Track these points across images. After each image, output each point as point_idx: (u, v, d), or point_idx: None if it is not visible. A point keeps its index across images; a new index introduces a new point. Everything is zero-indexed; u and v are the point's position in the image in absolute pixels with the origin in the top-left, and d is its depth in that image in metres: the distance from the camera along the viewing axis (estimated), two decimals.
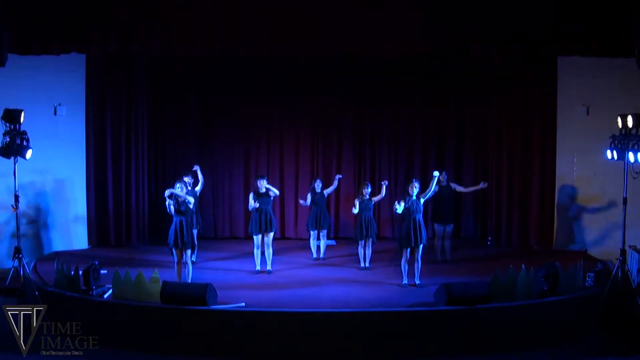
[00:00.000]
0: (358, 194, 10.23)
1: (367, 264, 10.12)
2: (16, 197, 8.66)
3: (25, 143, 8.61)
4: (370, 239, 9.99)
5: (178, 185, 9.01)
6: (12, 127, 8.53)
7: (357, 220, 10.08)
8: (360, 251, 10.12)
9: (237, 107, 12.42)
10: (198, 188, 10.32)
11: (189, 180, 10.13)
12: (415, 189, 9.09)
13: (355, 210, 9.94)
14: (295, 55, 10.84)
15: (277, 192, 9.99)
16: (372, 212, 10.00)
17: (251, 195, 9.90)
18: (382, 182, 10.08)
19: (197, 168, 10.44)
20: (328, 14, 9.27)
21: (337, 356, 7.63)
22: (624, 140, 8.56)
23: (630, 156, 8.41)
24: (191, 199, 9.05)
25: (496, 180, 11.83)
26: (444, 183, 10.63)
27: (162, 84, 12.35)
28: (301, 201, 11.00)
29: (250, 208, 9.88)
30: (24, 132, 8.62)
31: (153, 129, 12.37)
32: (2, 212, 10.06)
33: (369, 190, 10.00)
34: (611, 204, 10.60)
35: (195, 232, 9.79)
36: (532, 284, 8.36)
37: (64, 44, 9.30)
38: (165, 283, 8.05)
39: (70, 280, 8.53)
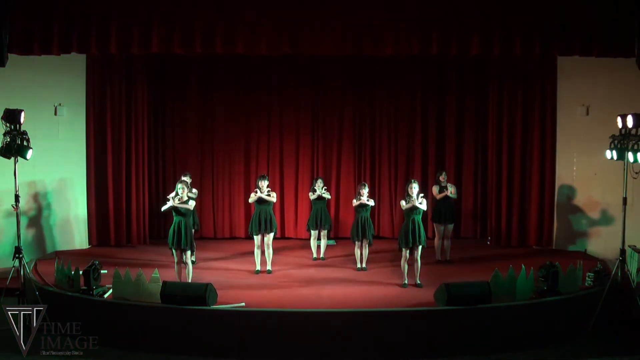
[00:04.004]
0: (355, 194, 10.20)
1: (363, 265, 10.11)
2: (17, 197, 8.67)
3: (25, 143, 8.62)
4: (367, 240, 9.97)
5: (179, 186, 9.02)
6: (12, 127, 8.53)
7: (354, 221, 10.05)
8: (357, 252, 10.11)
9: (237, 107, 12.44)
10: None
11: (189, 180, 10.13)
12: (414, 189, 9.10)
13: (356, 202, 9.90)
14: (295, 55, 10.83)
15: (274, 200, 9.99)
16: (369, 213, 9.98)
17: (253, 194, 9.91)
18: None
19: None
20: (328, 14, 9.28)
21: (337, 356, 7.64)
22: (624, 141, 8.57)
23: (630, 156, 8.41)
24: (192, 203, 9.06)
25: (496, 180, 11.82)
26: (444, 183, 10.65)
27: (162, 83, 12.37)
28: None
29: (250, 200, 10.00)
30: (25, 132, 8.62)
31: (153, 128, 12.38)
32: (2, 212, 10.07)
33: (367, 190, 9.98)
34: (611, 204, 10.59)
35: (192, 232, 9.78)
36: (532, 284, 8.37)
37: (64, 44, 9.29)
38: (165, 283, 8.06)
39: (70, 280, 8.55)
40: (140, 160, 11.94)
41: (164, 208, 9.17)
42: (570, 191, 11.33)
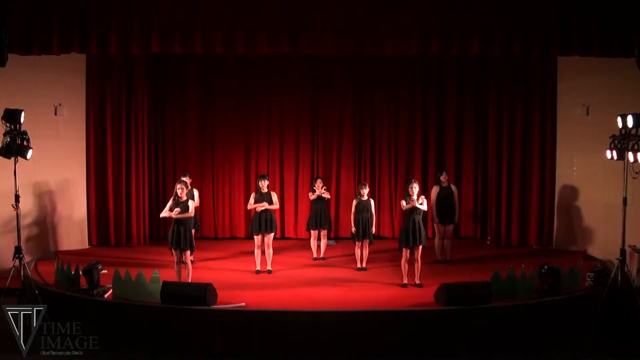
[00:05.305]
0: (356, 194, 10.21)
1: (363, 265, 10.11)
2: (17, 197, 8.67)
3: (25, 143, 8.62)
4: (368, 240, 9.97)
5: (178, 186, 9.01)
6: (12, 127, 8.54)
7: (354, 221, 10.05)
8: (357, 252, 10.11)
9: (237, 107, 12.44)
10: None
11: (189, 180, 10.13)
12: (414, 189, 9.10)
13: (353, 219, 9.95)
14: (295, 55, 10.83)
15: (277, 206, 10.00)
16: (369, 212, 9.98)
17: (252, 196, 9.93)
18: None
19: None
20: (328, 14, 9.28)
21: (337, 356, 7.63)
22: (624, 140, 8.56)
23: (630, 156, 8.41)
24: (192, 204, 9.05)
25: (496, 180, 11.83)
26: (445, 184, 10.65)
27: (162, 83, 12.38)
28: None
29: (249, 207, 10.01)
30: (25, 132, 8.63)
31: (153, 128, 12.39)
32: (2, 211, 10.07)
33: (367, 190, 9.98)
34: (611, 204, 10.57)
35: (192, 232, 9.76)
36: (532, 284, 8.37)
37: (64, 44, 9.28)
38: (165, 283, 8.06)
39: (70, 280, 8.55)
40: (141, 161, 11.94)
41: (162, 215, 9.11)
42: (570, 191, 11.32)
